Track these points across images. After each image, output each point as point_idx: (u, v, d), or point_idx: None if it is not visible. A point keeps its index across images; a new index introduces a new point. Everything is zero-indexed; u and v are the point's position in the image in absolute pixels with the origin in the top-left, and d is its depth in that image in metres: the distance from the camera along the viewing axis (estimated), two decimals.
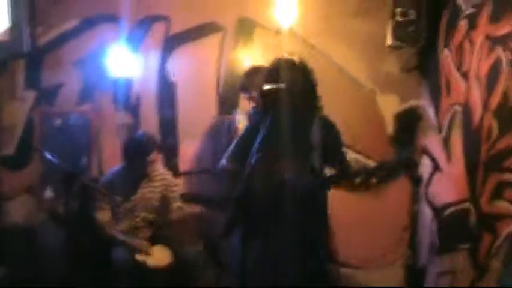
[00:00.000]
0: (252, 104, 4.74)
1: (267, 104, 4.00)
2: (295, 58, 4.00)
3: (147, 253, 4.77)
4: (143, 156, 4.91)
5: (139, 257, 4.74)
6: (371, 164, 4.89)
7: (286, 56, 4.02)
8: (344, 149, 3.98)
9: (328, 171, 4.00)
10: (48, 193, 5.56)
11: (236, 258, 4.61)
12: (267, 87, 3.90)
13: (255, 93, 4.66)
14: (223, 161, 4.10)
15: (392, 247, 5.29)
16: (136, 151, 4.93)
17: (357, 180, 4.19)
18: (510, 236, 3.62)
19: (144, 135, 5.11)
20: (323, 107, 4.01)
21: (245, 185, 3.92)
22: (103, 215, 4.96)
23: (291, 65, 3.96)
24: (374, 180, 4.90)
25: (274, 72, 3.97)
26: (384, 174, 4.19)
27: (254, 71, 4.81)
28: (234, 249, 4.69)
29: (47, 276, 5.36)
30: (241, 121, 4.84)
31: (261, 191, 3.89)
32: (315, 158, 3.83)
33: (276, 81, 3.91)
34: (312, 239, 3.91)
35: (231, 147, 4.10)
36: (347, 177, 4.01)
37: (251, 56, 5.23)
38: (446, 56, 4.69)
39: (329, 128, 3.95)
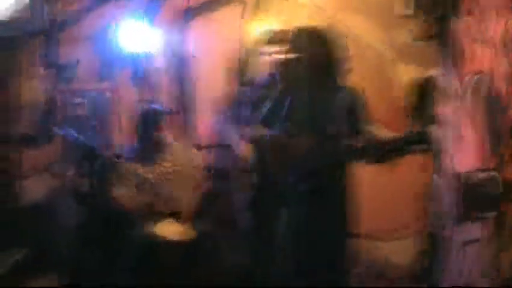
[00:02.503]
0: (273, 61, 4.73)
1: (283, 74, 3.98)
2: (315, 26, 3.96)
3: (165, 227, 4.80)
4: (154, 126, 4.90)
5: (159, 232, 4.76)
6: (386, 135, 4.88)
7: (306, 24, 3.98)
8: (364, 120, 3.92)
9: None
10: (70, 171, 5.58)
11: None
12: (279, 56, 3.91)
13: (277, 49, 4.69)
14: (250, 130, 4.06)
15: (415, 217, 5.28)
16: (147, 122, 4.94)
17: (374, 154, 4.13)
18: None
19: (153, 106, 5.13)
20: (350, 71, 3.97)
21: (260, 158, 3.92)
22: (123, 191, 4.98)
23: (310, 33, 3.92)
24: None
25: (293, 41, 3.94)
26: (398, 148, 4.14)
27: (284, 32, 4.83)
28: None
29: (68, 256, 5.38)
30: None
31: (276, 164, 3.89)
32: (334, 129, 3.80)
33: (294, 51, 3.89)
34: (330, 217, 3.90)
35: (261, 116, 4.06)
36: (365, 150, 3.95)
37: (270, 29, 5.19)
38: (466, 24, 4.64)
39: (352, 97, 3.91)
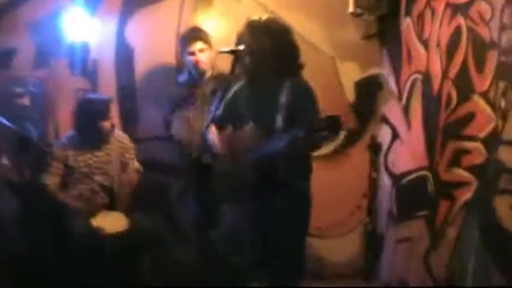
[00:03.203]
0: (195, 59, 4.78)
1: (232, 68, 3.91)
2: (262, 18, 3.89)
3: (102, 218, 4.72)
4: (96, 120, 4.81)
5: (95, 223, 4.68)
6: None
7: (253, 17, 3.90)
8: (315, 115, 3.77)
9: None
10: (3, 160, 5.45)
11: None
12: (223, 49, 3.83)
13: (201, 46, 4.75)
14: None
15: (351, 215, 5.34)
16: (88, 115, 4.83)
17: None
18: (467, 203, 3.67)
19: (92, 95, 5.05)
20: (302, 65, 3.92)
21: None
22: (54, 181, 4.87)
23: (255, 25, 3.85)
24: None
25: (240, 34, 3.88)
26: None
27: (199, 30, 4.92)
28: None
29: (2, 246, 5.27)
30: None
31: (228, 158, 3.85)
32: (280, 122, 3.74)
33: (240, 44, 3.83)
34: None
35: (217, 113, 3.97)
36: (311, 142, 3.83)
37: (210, 22, 5.16)
38: (407, 24, 4.70)
39: (299, 90, 3.84)
